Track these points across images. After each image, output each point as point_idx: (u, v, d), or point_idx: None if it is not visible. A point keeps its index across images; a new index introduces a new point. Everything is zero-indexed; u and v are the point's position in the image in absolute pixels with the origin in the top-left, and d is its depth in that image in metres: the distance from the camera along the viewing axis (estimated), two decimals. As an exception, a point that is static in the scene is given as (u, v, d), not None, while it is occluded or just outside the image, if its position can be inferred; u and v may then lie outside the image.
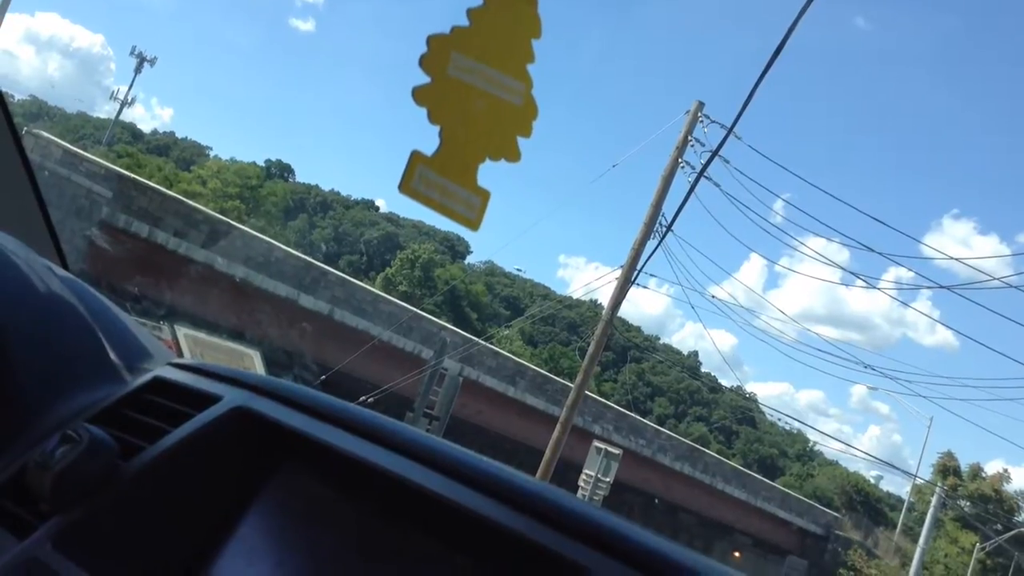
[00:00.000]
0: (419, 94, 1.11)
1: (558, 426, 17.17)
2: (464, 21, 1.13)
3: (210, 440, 1.21)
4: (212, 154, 66.72)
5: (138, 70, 56.54)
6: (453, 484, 1.08)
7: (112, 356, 1.41)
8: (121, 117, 60.07)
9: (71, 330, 1.37)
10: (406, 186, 1.11)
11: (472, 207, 1.16)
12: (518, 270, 77.15)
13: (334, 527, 1.14)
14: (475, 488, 1.07)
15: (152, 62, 57.18)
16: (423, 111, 1.13)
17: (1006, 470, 40.75)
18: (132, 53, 56.23)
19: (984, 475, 40.28)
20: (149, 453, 1.17)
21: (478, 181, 1.16)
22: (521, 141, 1.19)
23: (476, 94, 1.13)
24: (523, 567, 1.00)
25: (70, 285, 1.44)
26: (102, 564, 1.05)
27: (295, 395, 1.28)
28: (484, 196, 1.16)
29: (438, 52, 1.11)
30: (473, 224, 1.16)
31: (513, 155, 1.17)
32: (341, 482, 1.17)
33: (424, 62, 1.09)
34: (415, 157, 1.12)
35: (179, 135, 76.11)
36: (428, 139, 1.16)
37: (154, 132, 76.34)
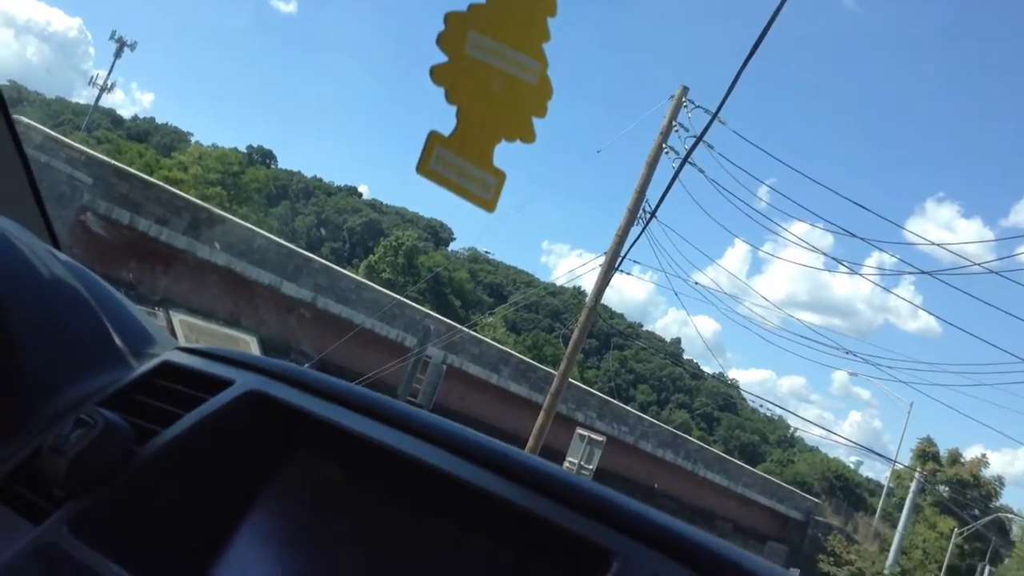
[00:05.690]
0: (437, 73, 1.09)
1: (542, 413, 17.19)
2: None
3: (224, 424, 1.20)
4: (193, 140, 66.15)
5: (117, 55, 56.06)
6: (469, 465, 1.08)
7: (118, 341, 1.39)
8: (100, 103, 59.49)
9: (76, 315, 1.35)
10: (424, 167, 1.10)
11: (488, 188, 1.15)
12: (487, 253, 76.92)
13: (349, 508, 1.13)
14: (492, 469, 1.07)
15: (132, 47, 56.65)
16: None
17: (984, 455, 41.17)
18: (111, 38, 55.72)
19: (963, 461, 40.68)
20: (163, 437, 1.16)
21: (494, 162, 1.15)
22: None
23: (493, 73, 1.12)
24: (543, 549, 1.00)
25: (72, 270, 1.42)
26: (118, 548, 1.04)
27: (307, 378, 1.27)
28: (500, 177, 1.15)
29: (456, 30, 1.09)
30: (489, 205, 1.15)
31: (528, 136, 1.17)
32: (356, 464, 1.16)
33: (442, 40, 1.08)
34: (433, 138, 1.11)
35: (159, 121, 75.20)
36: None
37: (134, 118, 75.43)
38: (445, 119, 1.14)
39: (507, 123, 1.15)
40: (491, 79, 1.12)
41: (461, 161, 1.11)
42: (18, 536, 1.05)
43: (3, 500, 1.12)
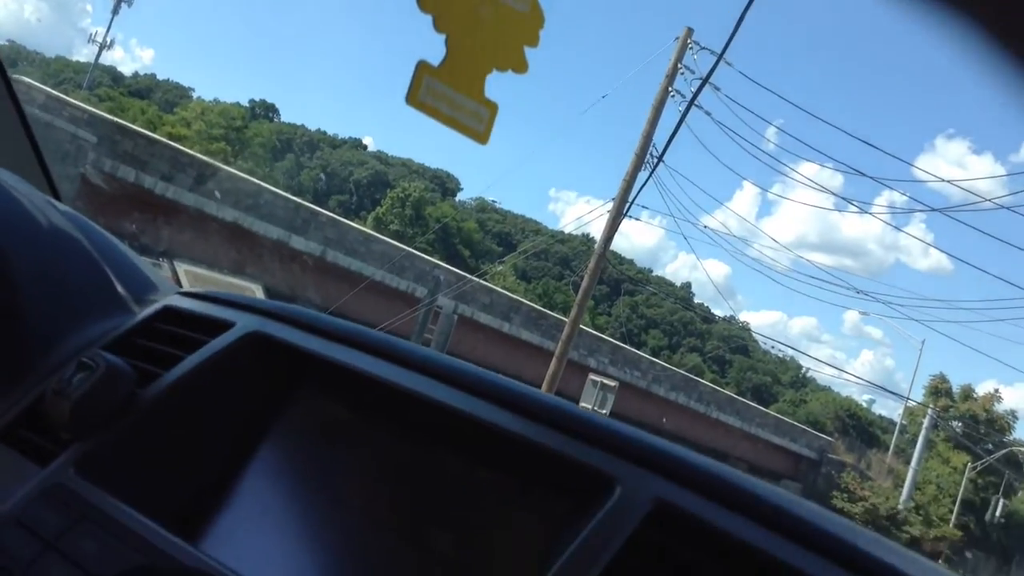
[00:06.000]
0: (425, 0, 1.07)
1: (554, 360, 17.28)
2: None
3: (225, 365, 1.20)
4: (195, 95, 65.66)
5: (115, 11, 55.30)
6: (474, 400, 1.08)
7: (119, 288, 1.40)
8: (101, 60, 58.94)
9: (78, 262, 1.35)
10: (413, 98, 1.08)
11: (480, 119, 1.13)
12: (494, 202, 76.57)
13: (355, 447, 1.14)
14: (497, 403, 1.07)
15: (129, 2, 55.89)
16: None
17: (997, 390, 41.16)
18: (108, -7, 54.88)
19: (975, 396, 40.73)
20: (165, 379, 1.17)
21: (485, 93, 1.14)
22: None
23: (481, 0, 1.10)
24: (548, 479, 1.01)
25: (72, 219, 1.42)
26: (125, 488, 1.05)
27: (309, 319, 1.27)
28: (492, 108, 1.14)
29: (443, -44, 1.07)
30: (482, 137, 1.14)
31: (520, 66, 1.15)
32: (360, 402, 1.16)
33: (429, -33, 1.06)
34: (422, 68, 1.09)
35: (160, 77, 74.23)
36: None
37: (135, 74, 74.65)
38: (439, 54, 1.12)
39: (498, 52, 1.13)
40: (480, 5, 1.10)
41: (451, 92, 1.10)
42: (26, 478, 1.06)
43: (10, 444, 1.13)
